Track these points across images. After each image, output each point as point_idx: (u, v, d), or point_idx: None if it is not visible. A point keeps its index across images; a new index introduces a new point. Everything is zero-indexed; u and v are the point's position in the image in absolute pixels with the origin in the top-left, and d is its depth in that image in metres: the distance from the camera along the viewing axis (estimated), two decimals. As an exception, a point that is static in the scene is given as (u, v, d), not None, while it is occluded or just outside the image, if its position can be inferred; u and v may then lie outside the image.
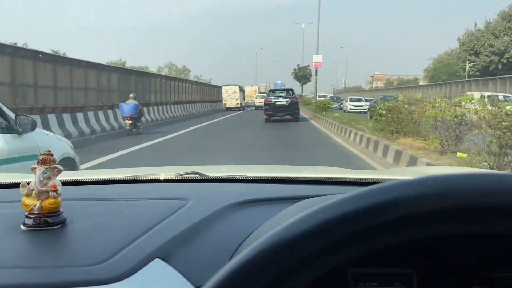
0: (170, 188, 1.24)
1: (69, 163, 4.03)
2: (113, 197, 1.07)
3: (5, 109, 3.65)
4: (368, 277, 0.78)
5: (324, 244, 0.35)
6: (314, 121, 20.06)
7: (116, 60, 63.67)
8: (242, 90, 39.52)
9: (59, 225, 0.82)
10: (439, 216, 0.34)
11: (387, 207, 0.34)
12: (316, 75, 32.63)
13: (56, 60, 15.37)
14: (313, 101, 31.06)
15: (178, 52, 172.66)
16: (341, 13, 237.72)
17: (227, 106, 35.99)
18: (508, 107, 6.19)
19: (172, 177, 1.30)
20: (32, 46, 35.71)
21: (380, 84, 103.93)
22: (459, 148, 7.13)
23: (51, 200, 0.82)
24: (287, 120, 19.16)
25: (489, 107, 6.47)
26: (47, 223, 0.81)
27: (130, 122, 13.34)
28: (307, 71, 61.00)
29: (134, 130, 13.41)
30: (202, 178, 1.30)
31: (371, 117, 16.01)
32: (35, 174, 0.83)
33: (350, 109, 30.91)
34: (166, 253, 0.71)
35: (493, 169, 5.33)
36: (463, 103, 8.04)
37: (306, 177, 1.37)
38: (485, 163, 5.61)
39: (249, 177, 1.30)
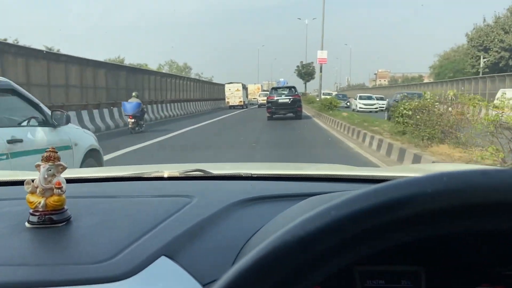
0: (175, 186, 1.24)
1: (95, 154, 4.62)
2: (117, 195, 1.07)
3: (42, 105, 4.10)
4: (375, 275, 0.77)
5: (338, 241, 0.34)
6: (319, 120, 19.03)
7: (114, 57, 63.45)
8: (245, 88, 39.52)
9: (64, 223, 0.82)
10: (454, 213, 0.33)
11: (403, 204, 0.34)
12: (320, 71, 31.12)
13: (49, 57, 15.21)
14: (318, 99, 29.92)
15: (179, 50, 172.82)
16: (343, 9, 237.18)
17: (230, 104, 36.04)
18: None
19: (176, 174, 1.30)
20: (25, 42, 35.58)
21: (384, 82, 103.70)
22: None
23: (55, 198, 0.81)
24: (291, 119, 19.05)
25: None
26: (52, 220, 0.81)
27: (133, 120, 13.39)
28: (311, 68, 60.79)
29: (137, 128, 13.46)
30: (206, 175, 1.30)
31: (389, 118, 14.15)
32: (39, 171, 0.82)
33: (360, 108, 28.76)
34: (172, 251, 0.71)
35: None
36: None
37: (311, 175, 1.37)
38: None
39: (254, 174, 1.30)
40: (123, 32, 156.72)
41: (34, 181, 0.82)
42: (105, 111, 16.35)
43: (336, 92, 50.94)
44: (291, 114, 19.56)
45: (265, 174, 1.35)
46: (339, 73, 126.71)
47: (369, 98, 31.60)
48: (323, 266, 0.34)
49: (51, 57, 15.39)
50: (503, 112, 6.01)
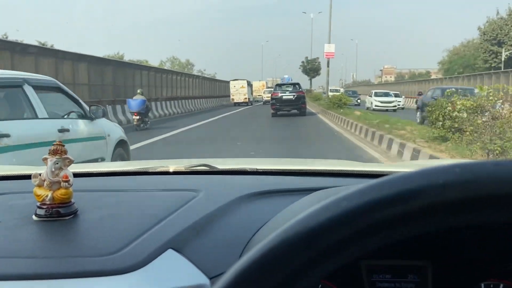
0: (180, 180, 1.24)
1: (123, 144, 5.20)
2: (124, 189, 1.07)
3: (81, 101, 4.68)
4: (382, 269, 0.77)
5: (349, 233, 0.33)
6: (330, 121, 16.61)
7: (113, 53, 62.90)
8: (250, 85, 39.43)
9: (71, 216, 0.82)
10: (467, 204, 0.33)
11: (415, 194, 0.33)
12: (328, 66, 28.39)
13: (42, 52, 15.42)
14: (324, 95, 28.18)
15: (181, 46, 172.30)
16: (348, 3, 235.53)
17: (235, 101, 36.01)
18: None
19: (182, 169, 1.30)
20: (28, 39, 35.53)
21: (390, 78, 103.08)
22: None
23: (62, 191, 0.82)
24: (296, 117, 18.94)
25: None
26: (59, 213, 0.81)
27: (138, 117, 13.47)
28: (316, 64, 60.17)
29: (142, 125, 13.54)
30: (211, 170, 1.30)
31: (422, 121, 12.54)
32: (46, 165, 0.83)
33: (376, 106, 25.83)
34: (179, 244, 0.71)
35: None
36: None
37: (317, 170, 1.36)
38: None
39: (259, 169, 1.29)
40: (123, 29, 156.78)
41: (42, 175, 0.83)
42: (109, 108, 16.47)
43: (342, 89, 48.72)
44: (295, 111, 19.59)
45: (270, 169, 1.34)
46: (345, 69, 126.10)
47: (386, 95, 27.95)
48: (334, 257, 0.34)
49: (58, 55, 15.73)
50: None
